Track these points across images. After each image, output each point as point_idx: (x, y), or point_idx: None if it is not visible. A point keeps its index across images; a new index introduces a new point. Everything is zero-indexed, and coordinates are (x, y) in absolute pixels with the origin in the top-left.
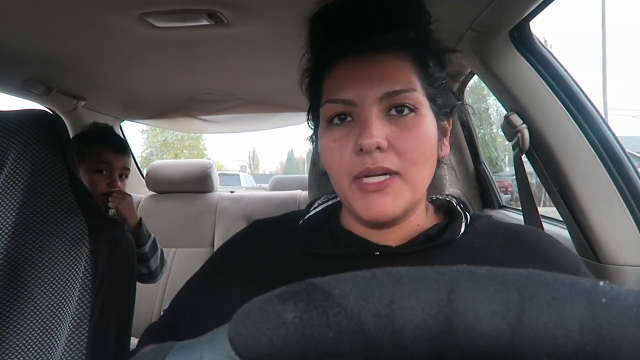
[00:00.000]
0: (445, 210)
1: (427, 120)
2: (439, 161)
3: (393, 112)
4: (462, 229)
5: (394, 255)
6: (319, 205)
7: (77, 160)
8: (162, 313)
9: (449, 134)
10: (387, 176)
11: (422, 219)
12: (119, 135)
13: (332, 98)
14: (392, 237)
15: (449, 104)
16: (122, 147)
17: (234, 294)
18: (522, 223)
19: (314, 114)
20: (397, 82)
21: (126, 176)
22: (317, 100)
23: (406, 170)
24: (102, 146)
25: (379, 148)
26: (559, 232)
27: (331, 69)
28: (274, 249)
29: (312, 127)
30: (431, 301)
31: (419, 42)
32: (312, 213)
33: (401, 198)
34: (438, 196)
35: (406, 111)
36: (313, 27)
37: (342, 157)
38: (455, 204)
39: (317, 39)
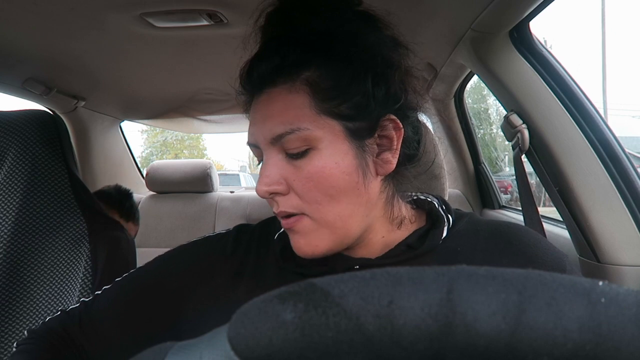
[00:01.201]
0: (427, 213)
1: (327, 154)
2: (390, 175)
3: (289, 153)
4: (445, 234)
5: (374, 267)
6: None
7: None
8: None
9: (396, 145)
10: (294, 217)
11: (386, 231)
12: (132, 202)
13: (247, 140)
14: (367, 251)
15: (375, 116)
16: (129, 213)
17: (203, 297)
18: (522, 223)
19: None
20: (281, 124)
21: None
22: None
23: (311, 210)
24: (110, 207)
25: (276, 193)
26: (559, 232)
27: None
28: (256, 261)
29: None
30: (430, 301)
31: (319, 60)
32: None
33: (315, 237)
34: (419, 196)
35: (298, 152)
36: None
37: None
38: (436, 206)
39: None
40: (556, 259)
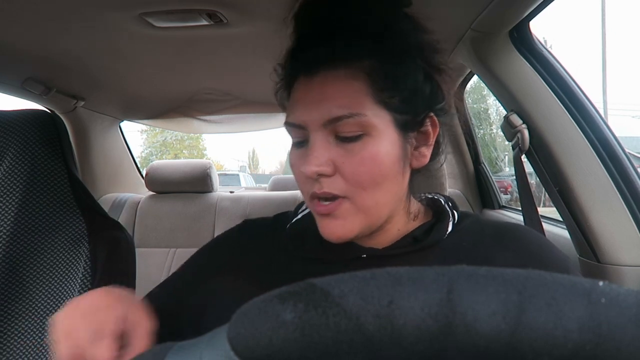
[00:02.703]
0: (433, 209)
1: (380, 141)
2: (419, 170)
3: (340, 136)
4: (450, 228)
5: (380, 257)
6: (307, 207)
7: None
8: None
9: (432, 142)
10: (335, 200)
11: (402, 224)
12: None
13: (286, 121)
14: (376, 241)
15: (421, 111)
16: None
17: (217, 292)
18: (521, 223)
19: None
20: (340, 106)
21: None
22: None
23: (353, 194)
24: None
25: (322, 175)
26: (559, 232)
27: (292, 89)
28: (262, 250)
29: None
30: (430, 301)
31: (378, 48)
32: (299, 216)
33: (351, 222)
34: (427, 195)
35: (352, 135)
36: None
37: (299, 177)
38: (442, 202)
39: (285, 57)
40: (560, 260)
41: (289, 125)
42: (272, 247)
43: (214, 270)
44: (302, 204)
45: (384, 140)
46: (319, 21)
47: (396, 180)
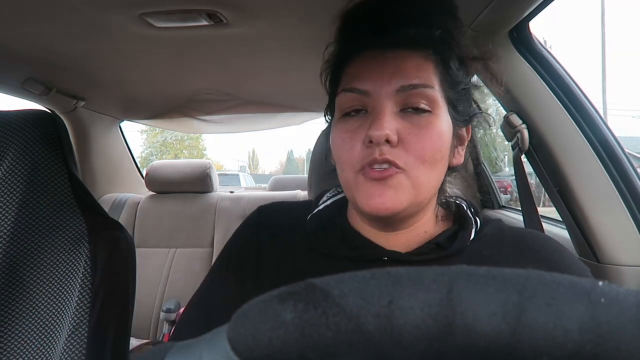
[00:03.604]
0: (455, 214)
1: (442, 122)
2: (453, 169)
3: (408, 109)
4: (472, 236)
5: (402, 262)
6: (328, 199)
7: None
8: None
9: (466, 144)
10: (391, 168)
11: (431, 226)
12: None
13: (348, 87)
14: (400, 242)
15: (468, 112)
16: None
17: (246, 289)
18: (522, 223)
19: (330, 107)
20: (415, 77)
21: None
22: (335, 91)
23: (412, 167)
24: None
25: (388, 141)
26: (559, 232)
27: (351, 62)
28: (282, 241)
29: (328, 121)
30: (430, 301)
31: (444, 43)
32: (321, 207)
33: (402, 193)
34: (448, 198)
35: (421, 109)
36: (341, 23)
37: (352, 149)
38: (465, 208)
39: (343, 33)
40: (580, 269)
41: (352, 91)
42: (292, 239)
43: (237, 281)
44: (322, 194)
45: (445, 122)
46: (394, 3)
47: (444, 167)
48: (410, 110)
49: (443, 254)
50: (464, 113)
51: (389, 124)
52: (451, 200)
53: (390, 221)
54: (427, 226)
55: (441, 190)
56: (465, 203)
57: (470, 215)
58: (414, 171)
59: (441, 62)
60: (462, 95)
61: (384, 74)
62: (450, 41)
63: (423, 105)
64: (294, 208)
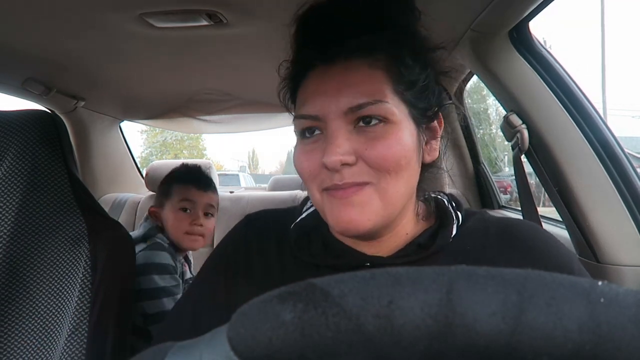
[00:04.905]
0: (437, 210)
1: (401, 128)
2: (428, 166)
3: (361, 123)
4: (454, 232)
5: (385, 266)
6: (311, 205)
7: (162, 198)
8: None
9: (439, 136)
10: (357, 186)
11: (411, 227)
12: (205, 174)
13: (299, 113)
14: (382, 247)
15: (433, 105)
16: (206, 183)
17: (235, 294)
18: None
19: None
20: (362, 94)
21: (212, 214)
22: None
23: (378, 179)
24: (185, 184)
25: (345, 164)
26: (558, 232)
27: (303, 81)
28: (270, 250)
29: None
30: (430, 301)
31: (393, 43)
32: (304, 215)
33: (369, 210)
34: (430, 194)
35: (374, 122)
36: (290, 37)
37: (311, 170)
38: (446, 203)
39: (294, 48)
40: (566, 256)
41: (303, 117)
42: (277, 246)
43: (224, 287)
44: (306, 200)
45: (404, 129)
46: (336, 12)
47: (414, 171)
48: (364, 125)
49: (425, 254)
50: (428, 109)
51: (343, 147)
52: (432, 196)
53: (365, 237)
54: (407, 228)
55: (420, 188)
56: (446, 197)
57: (452, 210)
58: (381, 182)
59: (394, 64)
60: (421, 92)
61: (330, 95)
62: (403, 38)
63: (375, 120)
64: (282, 216)
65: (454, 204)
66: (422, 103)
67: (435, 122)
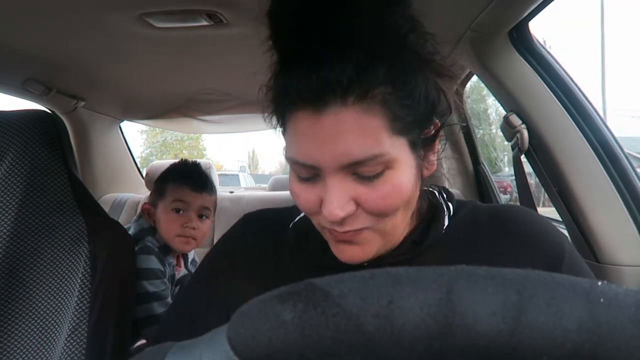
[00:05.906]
0: (428, 204)
1: (401, 169)
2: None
3: (361, 175)
4: (446, 222)
5: (382, 265)
6: None
7: (155, 197)
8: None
9: (437, 147)
10: (355, 230)
11: (406, 228)
12: (201, 173)
13: (292, 157)
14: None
15: (433, 125)
16: (201, 184)
17: (233, 294)
18: None
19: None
20: (359, 149)
21: (207, 216)
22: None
23: (376, 223)
24: (180, 184)
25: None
26: None
27: (290, 116)
28: (266, 248)
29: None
30: (430, 301)
31: (393, 73)
32: (303, 214)
33: (370, 246)
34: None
35: (373, 174)
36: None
37: (308, 207)
38: (437, 195)
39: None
40: (557, 237)
41: (297, 164)
42: (275, 246)
43: (222, 287)
44: None
45: (405, 169)
46: (318, 37)
47: (413, 200)
48: (363, 176)
49: (419, 250)
50: (427, 125)
51: (340, 203)
52: (424, 189)
53: None
54: (402, 229)
55: (418, 199)
56: (437, 189)
57: (442, 202)
58: (381, 224)
59: (390, 96)
60: (422, 110)
61: (324, 146)
62: (394, 72)
63: (374, 173)
64: (280, 215)
65: (445, 196)
66: (420, 124)
67: (433, 133)
